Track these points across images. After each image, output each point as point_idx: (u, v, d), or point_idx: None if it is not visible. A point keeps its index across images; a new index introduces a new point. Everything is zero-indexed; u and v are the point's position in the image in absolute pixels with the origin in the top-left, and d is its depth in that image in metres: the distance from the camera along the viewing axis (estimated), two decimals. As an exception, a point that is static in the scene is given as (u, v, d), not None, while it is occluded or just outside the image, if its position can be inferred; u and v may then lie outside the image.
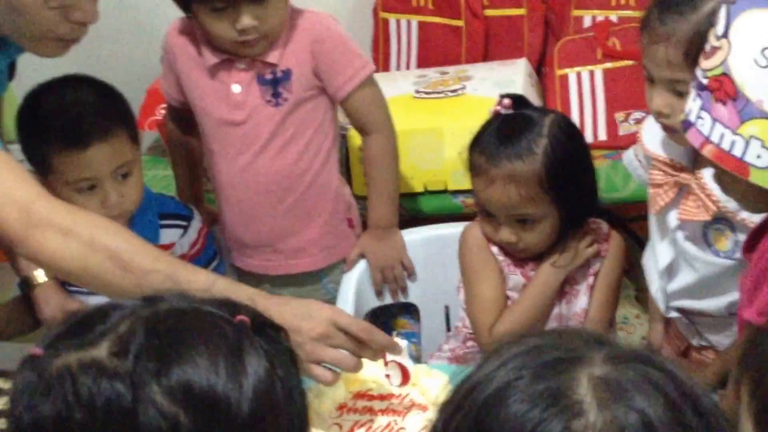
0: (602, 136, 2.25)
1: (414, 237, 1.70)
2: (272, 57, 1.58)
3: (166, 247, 1.56)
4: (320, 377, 1.05)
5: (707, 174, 1.22)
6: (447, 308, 1.68)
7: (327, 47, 1.59)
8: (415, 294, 1.71)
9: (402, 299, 1.70)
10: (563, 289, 1.44)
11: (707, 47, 0.88)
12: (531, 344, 0.63)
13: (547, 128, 1.37)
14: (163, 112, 2.21)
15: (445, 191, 2.05)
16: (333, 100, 1.65)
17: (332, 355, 1.05)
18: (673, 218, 1.30)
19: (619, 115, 2.27)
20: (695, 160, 1.28)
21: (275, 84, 1.59)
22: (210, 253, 1.65)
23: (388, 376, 1.08)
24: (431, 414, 1.04)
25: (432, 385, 1.07)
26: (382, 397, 1.08)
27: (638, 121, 2.27)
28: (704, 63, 0.87)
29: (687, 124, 0.89)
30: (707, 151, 0.86)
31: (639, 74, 2.26)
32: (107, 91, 1.51)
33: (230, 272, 1.78)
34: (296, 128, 1.62)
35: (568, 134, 1.40)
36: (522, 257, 1.44)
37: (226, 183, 1.66)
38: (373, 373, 1.10)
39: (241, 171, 1.64)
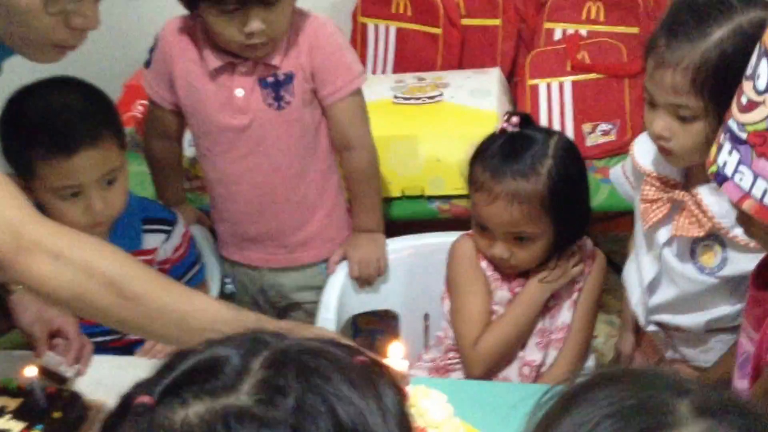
0: (569, 144, 2.19)
1: (397, 246, 1.61)
2: (275, 60, 1.47)
3: (149, 252, 1.44)
4: None
5: (704, 191, 1.17)
6: (426, 316, 1.59)
7: (323, 54, 1.49)
8: (396, 301, 1.61)
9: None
10: (547, 304, 1.37)
11: (743, 100, 0.79)
12: (611, 398, 0.54)
13: (552, 149, 1.30)
14: (140, 108, 2.09)
15: (421, 197, 1.96)
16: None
17: None
18: (662, 234, 1.24)
19: (587, 127, 2.22)
20: (687, 177, 1.23)
21: (277, 87, 1.48)
22: (192, 258, 1.53)
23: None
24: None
25: (430, 406, 0.98)
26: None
27: (605, 133, 2.23)
28: (741, 116, 0.79)
29: (721, 178, 0.81)
30: (747, 206, 0.78)
31: (607, 87, 2.24)
32: (95, 95, 1.36)
33: (223, 265, 1.68)
34: (300, 129, 1.52)
35: (572, 156, 1.32)
36: (510, 272, 1.36)
37: (230, 182, 1.56)
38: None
39: (245, 171, 1.54)
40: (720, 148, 0.82)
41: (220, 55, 1.48)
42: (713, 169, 0.83)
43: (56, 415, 1.12)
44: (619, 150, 2.15)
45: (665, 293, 1.27)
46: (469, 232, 1.39)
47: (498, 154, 1.31)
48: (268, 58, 1.47)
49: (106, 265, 0.95)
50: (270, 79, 1.49)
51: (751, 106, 0.79)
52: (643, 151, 1.25)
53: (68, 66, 1.39)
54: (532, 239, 1.30)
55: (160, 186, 1.73)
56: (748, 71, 0.80)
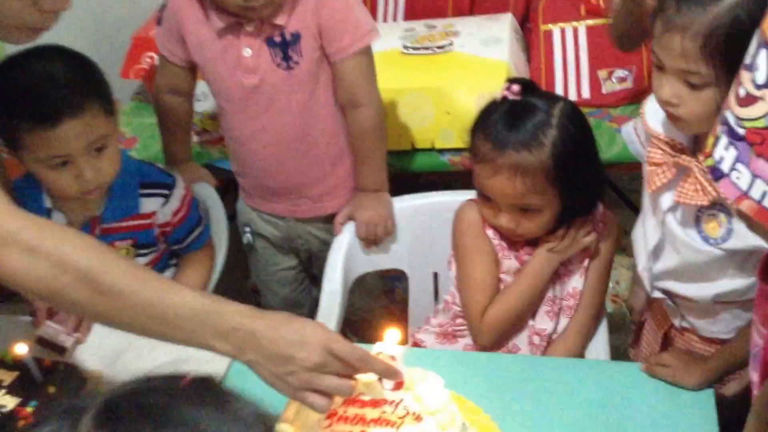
0: (586, 93, 2.08)
1: (404, 205, 1.52)
2: (280, 19, 1.38)
3: (147, 216, 1.38)
4: (314, 405, 0.88)
5: None
6: (436, 275, 1.52)
7: (329, 12, 1.39)
8: (403, 260, 1.53)
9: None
10: (557, 272, 1.28)
11: (741, 92, 0.68)
12: None
13: (557, 118, 1.19)
14: (149, 60, 2.02)
15: (432, 149, 1.87)
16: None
17: (328, 383, 0.87)
18: (666, 199, 1.16)
19: (603, 73, 2.10)
20: (696, 143, 1.13)
21: (285, 47, 1.40)
22: (194, 220, 1.45)
23: (380, 380, 0.92)
24: (426, 426, 0.89)
25: (426, 391, 0.91)
26: (375, 403, 0.91)
27: (621, 80, 2.11)
28: (739, 110, 0.68)
29: (717, 174, 0.71)
30: (745, 207, 0.68)
31: None
32: (80, 62, 1.28)
33: (250, 214, 1.62)
34: (311, 88, 1.45)
35: (577, 124, 1.21)
36: (517, 241, 1.27)
37: (247, 139, 1.50)
38: (365, 376, 0.93)
39: (259, 131, 1.48)
40: (717, 140, 0.72)
41: (225, 16, 1.39)
42: (709, 162, 0.73)
43: (51, 390, 1.08)
44: (635, 98, 2.04)
45: (668, 260, 1.20)
46: (474, 197, 1.30)
47: (499, 123, 1.20)
48: (273, 17, 1.38)
49: (82, 259, 0.88)
50: (277, 39, 1.40)
51: (750, 100, 0.68)
52: (653, 111, 1.16)
53: (77, 20, 1.33)
54: (538, 210, 1.21)
55: (167, 141, 1.67)
56: (747, 60, 0.69)
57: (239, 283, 2.18)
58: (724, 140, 0.71)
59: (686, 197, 1.10)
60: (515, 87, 1.21)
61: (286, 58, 1.41)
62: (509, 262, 1.28)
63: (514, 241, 1.28)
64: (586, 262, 1.30)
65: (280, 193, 1.56)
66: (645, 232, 1.22)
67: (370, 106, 1.47)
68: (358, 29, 1.42)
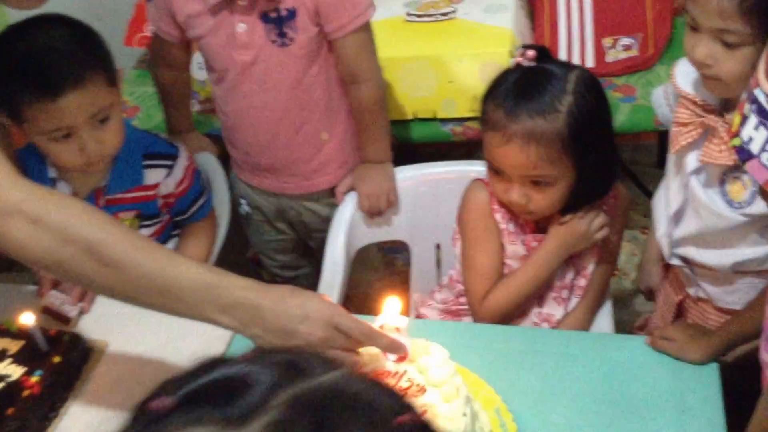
0: (590, 62, 2.04)
1: (405, 175, 1.50)
2: None
3: (151, 188, 1.36)
4: None
5: None
6: (438, 246, 1.51)
7: None
8: (405, 231, 1.52)
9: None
10: (570, 258, 1.25)
11: None
12: None
13: (573, 84, 1.14)
14: (152, 28, 1.99)
15: (434, 119, 1.84)
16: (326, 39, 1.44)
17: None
18: (691, 160, 1.13)
19: (607, 41, 2.06)
20: (725, 104, 1.11)
21: (280, 23, 1.37)
22: (197, 190, 1.43)
23: (384, 352, 0.91)
24: (430, 398, 0.89)
25: (431, 363, 0.91)
26: (378, 375, 0.91)
27: (627, 48, 2.07)
28: None
29: (745, 155, 0.68)
30: None
31: None
32: (81, 31, 1.24)
33: (243, 187, 1.61)
34: (305, 65, 1.42)
35: (594, 93, 1.17)
36: (528, 219, 1.24)
37: (239, 115, 1.48)
38: (368, 347, 0.93)
39: (252, 107, 1.46)
40: (745, 119, 0.69)
41: None
42: (736, 142, 0.70)
43: (56, 359, 1.08)
44: (640, 66, 2.00)
45: (689, 226, 1.17)
46: (483, 178, 1.27)
47: (512, 90, 1.15)
48: None
49: (86, 231, 0.87)
50: (272, 15, 1.37)
51: None
52: (684, 72, 1.13)
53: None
54: (550, 183, 1.16)
55: (168, 113, 1.66)
56: None
57: (239, 253, 2.18)
58: (753, 119, 0.68)
59: (711, 157, 1.08)
60: (530, 53, 1.17)
61: (282, 34, 1.38)
62: (515, 247, 1.25)
63: (522, 226, 1.24)
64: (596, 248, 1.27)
65: (270, 169, 1.55)
66: (667, 196, 1.21)
67: (370, 81, 1.45)
68: (356, 7, 1.39)
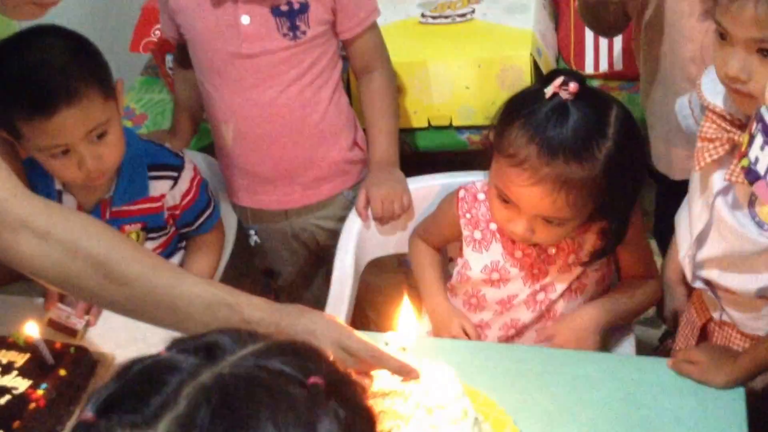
0: (618, 65, 2.07)
1: (418, 185, 1.53)
2: None
3: (157, 199, 1.40)
4: None
5: None
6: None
7: None
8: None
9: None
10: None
11: None
12: None
13: (613, 128, 1.13)
14: (158, 33, 2.03)
15: (449, 127, 1.87)
16: (337, 37, 1.52)
17: None
18: (717, 179, 1.12)
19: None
20: None
21: (292, 16, 1.43)
22: (203, 202, 1.48)
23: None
24: (436, 419, 0.92)
25: (438, 382, 0.94)
26: (384, 395, 0.95)
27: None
28: None
29: (753, 176, 0.69)
30: None
31: None
32: (77, 45, 1.28)
33: (237, 211, 1.65)
34: (312, 60, 1.49)
35: (633, 136, 1.16)
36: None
37: (240, 117, 1.52)
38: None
39: (255, 104, 1.50)
40: (752, 139, 0.71)
41: None
42: (744, 163, 0.72)
43: (62, 372, 1.12)
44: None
45: (713, 247, 1.17)
46: (475, 184, 1.30)
47: (548, 127, 1.11)
48: None
49: (93, 245, 0.91)
50: (284, 8, 1.43)
51: None
52: (711, 82, 1.12)
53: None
54: (562, 223, 1.16)
55: (180, 121, 1.70)
56: None
57: (249, 262, 2.22)
58: (759, 139, 0.70)
59: (738, 176, 1.03)
60: (573, 86, 1.12)
61: (294, 27, 1.44)
62: (496, 246, 1.27)
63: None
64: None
65: (272, 180, 1.58)
66: (690, 217, 1.20)
67: (381, 69, 1.56)
68: (372, 2, 1.50)
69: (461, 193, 1.32)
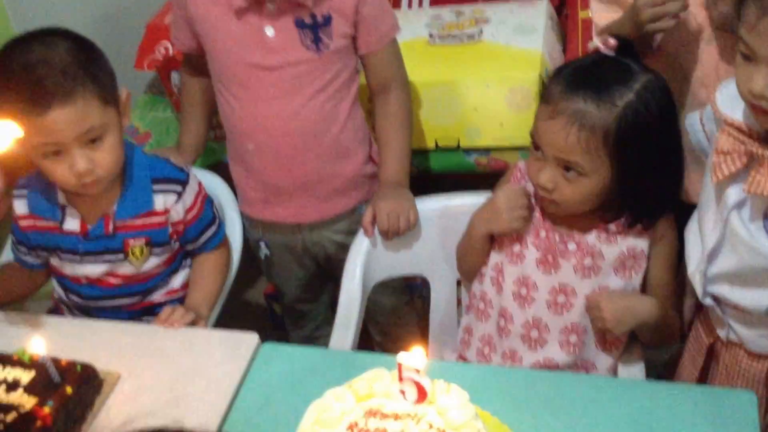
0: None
1: (427, 206, 1.56)
2: None
3: (161, 214, 1.43)
4: None
5: None
6: (459, 283, 1.57)
7: (370, 1, 1.51)
8: (425, 265, 1.58)
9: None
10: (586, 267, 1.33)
11: None
12: None
13: (640, 85, 1.21)
14: (163, 51, 2.07)
15: (457, 148, 1.90)
16: (356, 52, 1.58)
17: None
18: (732, 193, 1.15)
19: (645, 65, 2.12)
20: None
21: (315, 29, 1.48)
22: (208, 218, 1.51)
23: (402, 392, 0.98)
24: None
25: (450, 404, 0.97)
26: (396, 416, 0.97)
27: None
28: None
29: None
30: None
31: None
32: (80, 46, 1.31)
33: (248, 223, 1.68)
34: (333, 73, 1.54)
35: (659, 103, 1.22)
36: (549, 211, 1.32)
37: (260, 128, 1.56)
38: (385, 387, 0.99)
39: (276, 116, 1.54)
40: None
41: None
42: None
43: (69, 390, 1.15)
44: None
45: (725, 262, 1.20)
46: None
47: (579, 70, 1.23)
48: None
49: None
50: (307, 21, 1.48)
51: None
52: (728, 96, 1.16)
53: (88, 5, 1.37)
54: (582, 175, 1.22)
55: (188, 135, 1.74)
56: None
57: (250, 286, 2.24)
58: None
59: (758, 187, 1.09)
60: (612, 41, 1.23)
61: (317, 40, 1.49)
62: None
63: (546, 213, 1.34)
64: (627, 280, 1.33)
65: (287, 192, 1.61)
66: (702, 231, 1.23)
67: (399, 89, 1.60)
68: (392, 16, 1.56)
69: (520, 164, 1.40)
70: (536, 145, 1.26)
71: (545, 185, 1.25)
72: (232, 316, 1.57)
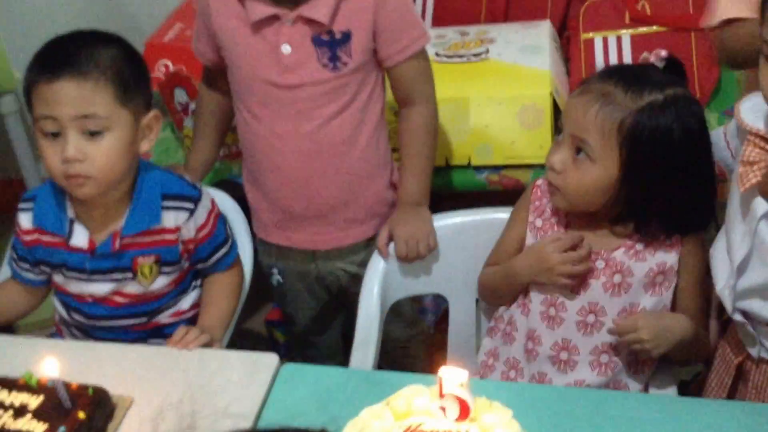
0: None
1: (445, 222, 1.54)
2: (318, 15, 1.42)
3: (171, 231, 1.39)
4: None
5: None
6: (478, 301, 1.54)
7: (389, 9, 1.45)
8: (444, 285, 1.56)
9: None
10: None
11: None
12: None
13: (673, 93, 1.24)
14: (163, 69, 2.05)
15: (468, 166, 1.89)
16: (380, 65, 1.52)
17: None
18: (761, 203, 1.15)
19: (649, 87, 2.13)
20: None
21: (333, 47, 1.44)
22: (220, 237, 1.46)
23: (443, 408, 0.94)
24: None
25: (494, 421, 0.94)
26: (438, 434, 0.94)
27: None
28: None
29: None
30: None
31: (670, 42, 2.14)
32: (120, 45, 1.33)
33: (273, 254, 1.65)
34: (353, 93, 1.49)
35: (684, 116, 1.24)
36: (552, 197, 1.34)
37: (277, 149, 1.52)
38: (425, 404, 0.95)
39: (291, 136, 1.50)
40: None
41: (263, 7, 1.43)
42: None
43: (81, 415, 1.10)
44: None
45: (755, 275, 1.19)
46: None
47: (624, 66, 1.34)
48: (309, 11, 1.42)
49: None
50: (325, 38, 1.44)
51: None
52: (751, 107, 1.17)
53: (86, 22, 1.35)
54: (589, 159, 1.25)
55: (199, 152, 1.69)
56: None
57: (253, 314, 2.20)
58: None
59: None
60: (663, 53, 1.30)
61: (334, 58, 1.44)
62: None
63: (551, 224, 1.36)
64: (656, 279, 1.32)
65: (302, 217, 1.57)
66: (730, 245, 1.22)
67: (425, 105, 1.55)
68: (416, 28, 1.50)
69: (539, 182, 1.41)
70: (561, 128, 1.31)
71: (554, 165, 1.29)
72: (230, 343, 1.50)
